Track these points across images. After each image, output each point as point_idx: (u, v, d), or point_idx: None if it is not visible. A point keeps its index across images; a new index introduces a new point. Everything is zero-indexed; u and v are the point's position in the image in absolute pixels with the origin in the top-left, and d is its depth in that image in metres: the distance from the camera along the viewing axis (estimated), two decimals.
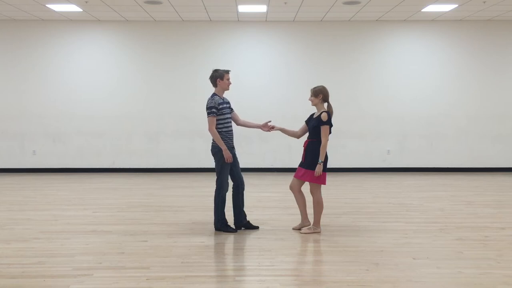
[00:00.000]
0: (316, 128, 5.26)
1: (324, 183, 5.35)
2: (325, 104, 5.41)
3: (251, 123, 5.87)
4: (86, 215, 6.39)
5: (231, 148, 5.47)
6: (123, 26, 10.97)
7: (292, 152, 11.12)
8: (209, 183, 9.27)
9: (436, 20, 10.94)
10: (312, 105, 5.43)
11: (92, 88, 11.00)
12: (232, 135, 5.51)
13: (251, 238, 5.21)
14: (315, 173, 5.21)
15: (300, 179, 5.41)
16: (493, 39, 11.02)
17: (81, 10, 9.83)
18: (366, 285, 3.77)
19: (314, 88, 5.38)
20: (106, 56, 11.05)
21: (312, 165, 5.24)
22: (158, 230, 5.51)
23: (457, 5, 9.56)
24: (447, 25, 11.01)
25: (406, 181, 9.65)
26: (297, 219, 6.06)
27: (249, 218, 5.68)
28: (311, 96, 5.38)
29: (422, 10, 9.98)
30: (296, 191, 5.47)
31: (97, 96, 11.01)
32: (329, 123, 5.23)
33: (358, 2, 9.26)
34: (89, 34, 10.97)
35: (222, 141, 5.32)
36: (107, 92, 11.02)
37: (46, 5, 9.49)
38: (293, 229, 5.57)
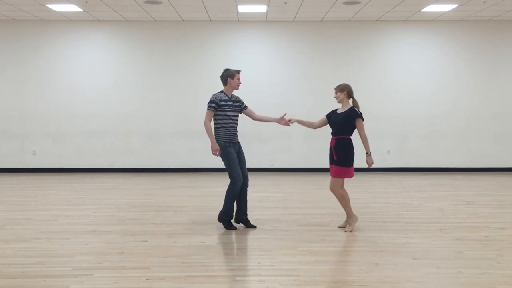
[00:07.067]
0: (345, 125, 5.43)
1: (352, 176, 5.51)
2: (350, 100, 5.57)
3: (268, 117, 6.08)
4: (86, 215, 6.38)
5: (234, 144, 5.63)
6: (123, 26, 10.97)
7: (292, 153, 11.13)
8: (209, 183, 9.31)
9: (436, 20, 10.94)
10: (338, 102, 5.59)
11: (92, 88, 11.00)
12: (233, 131, 5.65)
13: (251, 238, 5.21)
14: (368, 164, 5.55)
15: (334, 177, 5.50)
16: (493, 39, 11.01)
17: (81, 10, 9.83)
18: (366, 285, 3.77)
19: (339, 85, 5.57)
20: (106, 56, 11.05)
21: (344, 162, 5.41)
22: (158, 230, 5.51)
23: (457, 5, 9.57)
24: (447, 25, 11.01)
25: (406, 181, 9.65)
26: (297, 219, 6.07)
27: (249, 218, 5.69)
28: (337, 92, 5.55)
29: (422, 10, 9.98)
30: (337, 190, 5.53)
31: (97, 96, 11.01)
32: (361, 116, 5.48)
33: (358, 2, 9.26)
34: (89, 34, 10.97)
35: (212, 135, 5.54)
36: (107, 92, 11.02)
37: (46, 5, 9.49)
38: (339, 227, 5.63)
